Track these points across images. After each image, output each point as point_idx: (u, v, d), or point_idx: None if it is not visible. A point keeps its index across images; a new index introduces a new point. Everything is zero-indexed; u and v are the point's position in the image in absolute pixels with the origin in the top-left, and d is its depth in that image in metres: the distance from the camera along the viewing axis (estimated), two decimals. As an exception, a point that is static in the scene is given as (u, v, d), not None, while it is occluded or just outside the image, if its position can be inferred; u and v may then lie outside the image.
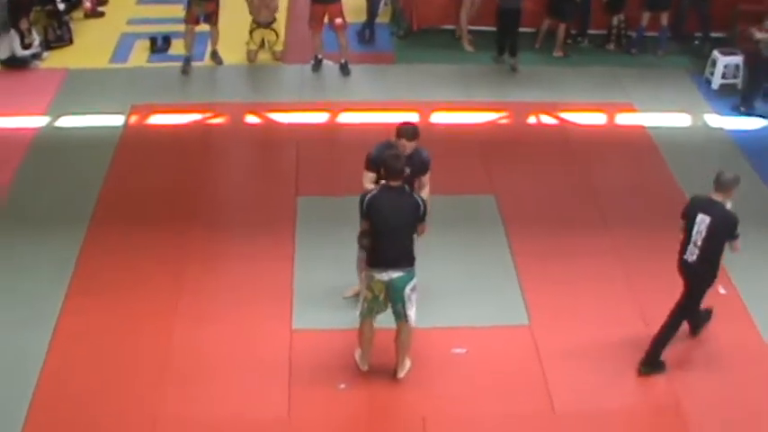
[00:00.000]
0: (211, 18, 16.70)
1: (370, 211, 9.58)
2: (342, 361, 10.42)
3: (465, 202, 13.30)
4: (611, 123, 15.66)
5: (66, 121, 15.12)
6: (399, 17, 18.61)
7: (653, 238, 12.49)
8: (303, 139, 14.65)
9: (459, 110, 15.64)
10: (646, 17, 17.60)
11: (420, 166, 10.36)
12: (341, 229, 12.41)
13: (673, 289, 11.47)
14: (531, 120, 15.61)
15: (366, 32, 18.01)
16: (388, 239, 9.58)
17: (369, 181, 10.25)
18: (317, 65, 16.88)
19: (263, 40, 17.19)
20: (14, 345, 10.63)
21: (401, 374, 10.25)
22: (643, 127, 15.41)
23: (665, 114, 15.78)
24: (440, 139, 14.63)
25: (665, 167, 14.20)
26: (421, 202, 9.65)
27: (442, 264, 11.91)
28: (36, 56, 17.06)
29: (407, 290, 9.70)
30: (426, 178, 10.57)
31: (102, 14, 19.05)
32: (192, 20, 16.57)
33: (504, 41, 17.15)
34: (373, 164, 10.32)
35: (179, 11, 16.80)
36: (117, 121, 15.03)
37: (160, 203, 13.14)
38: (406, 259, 9.67)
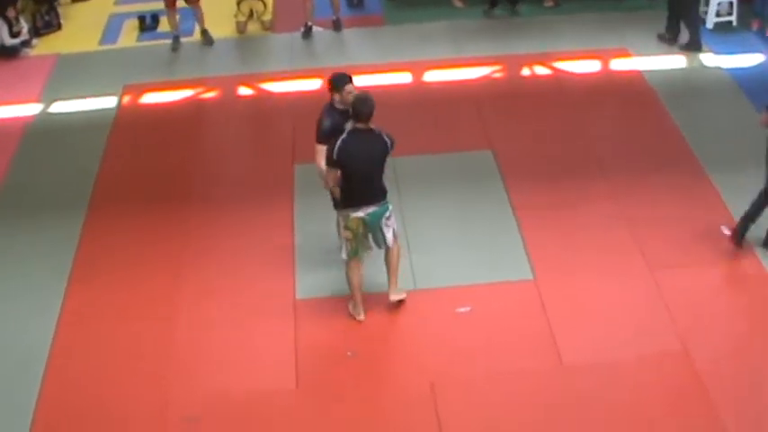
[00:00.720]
0: None
1: (341, 157, 9.69)
2: (348, 328, 10.41)
3: (462, 158, 13.20)
4: (605, 70, 15.49)
5: (59, 107, 15.06)
6: (387, -22, 18.45)
7: (653, 182, 12.46)
8: (297, 106, 14.52)
9: (452, 67, 15.47)
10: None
11: None
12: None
13: (676, 234, 11.49)
14: (525, 71, 15.46)
15: (354, -4, 17.87)
16: (363, 181, 9.91)
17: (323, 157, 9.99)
18: (308, 32, 16.78)
19: (251, 11, 17.06)
20: (20, 333, 10.65)
21: (394, 298, 10.51)
22: (639, 71, 15.24)
23: (660, 57, 15.60)
24: (434, 97, 14.67)
25: (662, 110, 14.05)
26: (389, 141, 9.85)
27: (442, 222, 11.96)
28: (25, 43, 16.97)
29: (383, 220, 10.13)
30: None
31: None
32: (170, 2, 16.33)
33: None
34: (327, 135, 10.12)
35: (166, -12, 16.65)
36: (110, 102, 14.96)
37: (157, 182, 13.08)
38: (379, 195, 10.07)
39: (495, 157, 13.08)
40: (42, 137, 14.37)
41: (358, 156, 9.69)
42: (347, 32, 16.94)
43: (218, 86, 15.36)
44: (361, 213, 9.94)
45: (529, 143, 13.48)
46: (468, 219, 12.06)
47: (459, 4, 17.60)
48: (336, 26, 16.95)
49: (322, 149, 10.03)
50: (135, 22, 17.57)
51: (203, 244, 11.87)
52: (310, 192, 12.36)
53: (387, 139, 9.81)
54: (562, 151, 13.28)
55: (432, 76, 15.31)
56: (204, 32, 16.77)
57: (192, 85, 15.38)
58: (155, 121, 14.57)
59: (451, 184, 12.62)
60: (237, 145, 14.17)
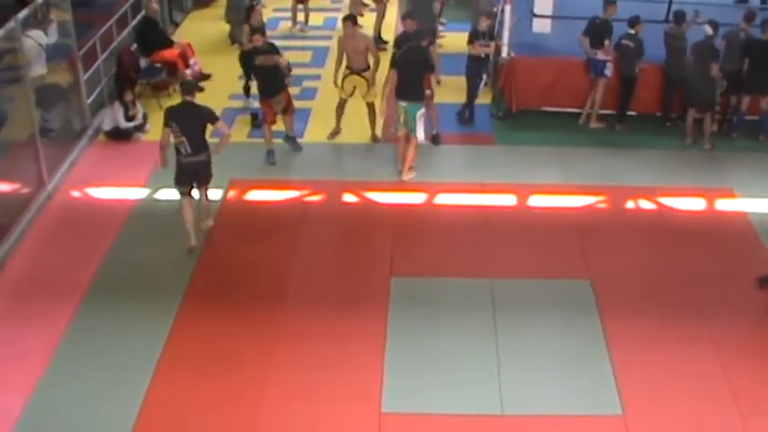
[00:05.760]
0: (287, 109, 16.49)
1: (399, 62, 15.57)
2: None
3: (560, 286, 13.14)
4: (710, 209, 15.37)
5: (165, 194, 15.28)
6: (499, 98, 18.56)
7: (751, 328, 12.32)
8: (399, 219, 14.64)
9: (557, 193, 15.50)
10: (745, 101, 17.39)
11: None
12: (435, 310, 12.40)
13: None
14: (630, 204, 15.40)
15: (465, 113, 17.98)
16: (406, 80, 15.31)
17: None
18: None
19: (353, 89, 16.99)
20: (104, 413, 10.77)
21: (405, 177, 15.69)
22: (743, 213, 15.11)
23: (766, 200, 15.49)
24: (536, 222, 14.62)
25: (766, 255, 13.91)
26: (430, 58, 15.95)
27: (534, 348, 11.91)
28: (139, 128, 17.42)
29: (418, 114, 15.41)
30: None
31: (202, 89, 19.30)
32: (271, 120, 16.40)
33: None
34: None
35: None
36: (215, 194, 15.04)
37: (254, 277, 13.21)
38: (416, 95, 15.47)
39: (592, 287, 13.00)
40: (146, 221, 14.65)
41: (406, 63, 15.38)
42: (455, 149, 17.09)
43: (324, 191, 15.50)
44: (403, 104, 15.39)
45: (628, 276, 13.42)
46: (561, 346, 11.97)
47: (597, 125, 17.76)
48: (435, 140, 17.10)
49: None
50: (247, 118, 17.90)
51: (293, 345, 11.90)
52: (406, 305, 12.44)
53: (428, 57, 15.82)
54: (661, 287, 13.17)
55: (536, 200, 15.31)
56: (290, 139, 16.91)
57: (297, 187, 15.56)
58: (258, 218, 14.74)
59: (547, 310, 12.55)
60: (336, 250, 14.31)
